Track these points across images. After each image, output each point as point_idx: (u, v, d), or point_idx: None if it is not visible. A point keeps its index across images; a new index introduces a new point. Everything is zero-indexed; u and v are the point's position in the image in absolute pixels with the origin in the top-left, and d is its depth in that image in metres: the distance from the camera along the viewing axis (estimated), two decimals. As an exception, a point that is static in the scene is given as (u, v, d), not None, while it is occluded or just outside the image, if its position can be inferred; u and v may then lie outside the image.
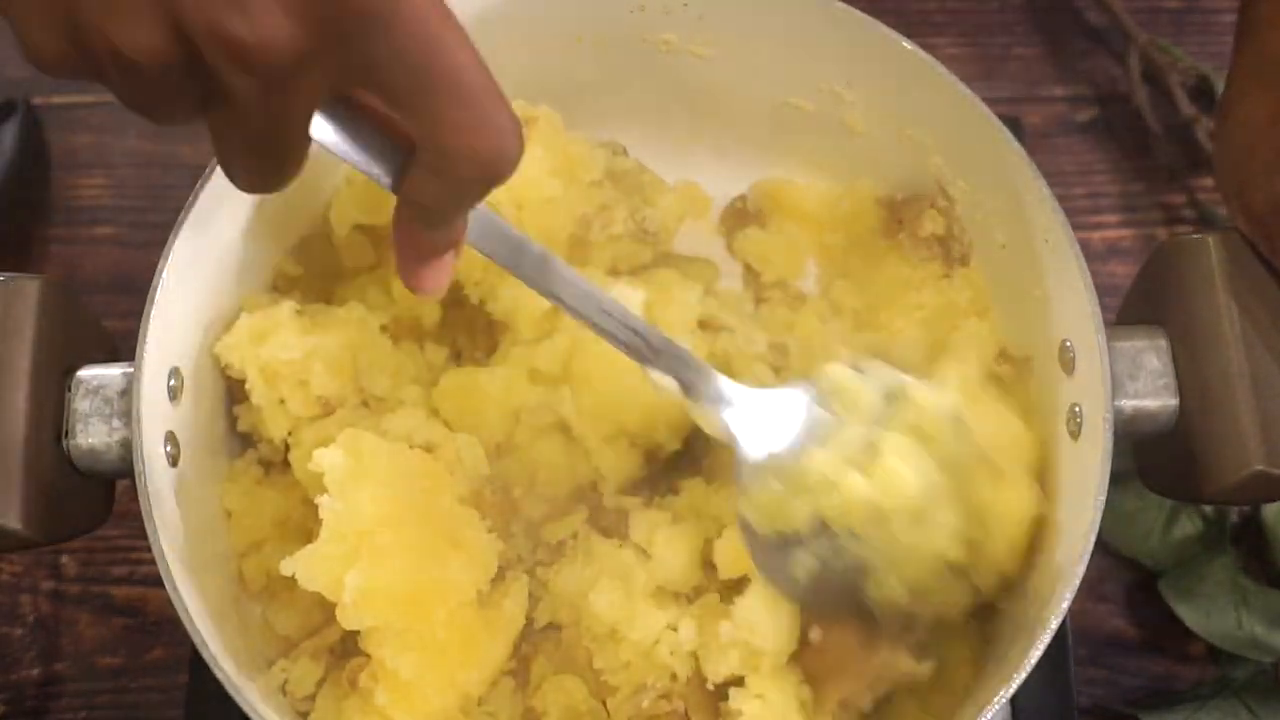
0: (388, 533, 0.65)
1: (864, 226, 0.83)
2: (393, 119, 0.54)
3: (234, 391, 0.75)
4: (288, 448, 0.75)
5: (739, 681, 0.70)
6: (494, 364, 0.76)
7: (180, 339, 0.71)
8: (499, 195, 0.59)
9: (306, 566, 0.65)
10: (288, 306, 0.73)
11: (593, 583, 0.70)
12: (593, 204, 0.79)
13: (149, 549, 0.63)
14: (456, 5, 0.75)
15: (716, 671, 0.69)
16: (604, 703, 0.72)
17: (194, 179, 0.70)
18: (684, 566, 0.72)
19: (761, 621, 0.69)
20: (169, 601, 0.63)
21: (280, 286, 0.80)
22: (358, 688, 0.69)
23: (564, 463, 0.75)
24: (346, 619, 0.65)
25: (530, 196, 0.76)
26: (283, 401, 0.73)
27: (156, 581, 0.64)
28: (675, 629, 0.70)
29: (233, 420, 0.77)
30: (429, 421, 0.74)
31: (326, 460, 0.66)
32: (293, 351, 0.72)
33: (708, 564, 0.73)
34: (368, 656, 0.67)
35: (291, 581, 0.66)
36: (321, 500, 0.66)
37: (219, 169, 0.69)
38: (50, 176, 1.04)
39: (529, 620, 0.74)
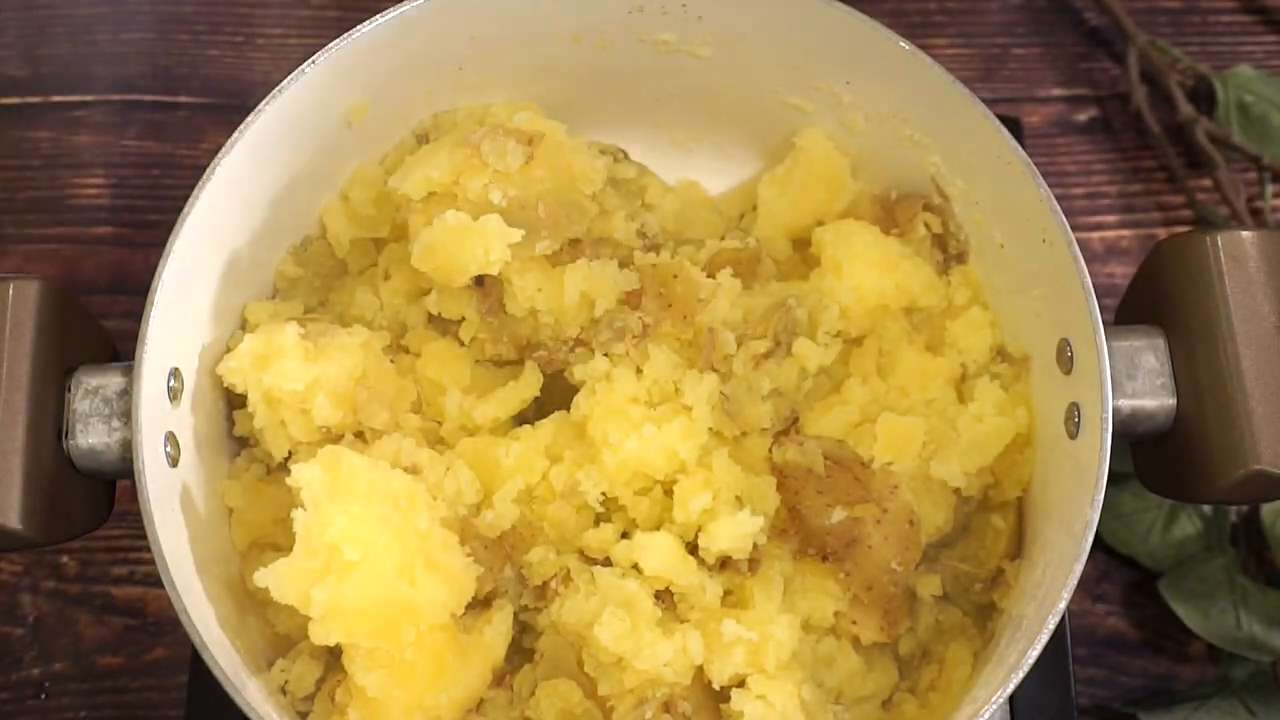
0: (359, 549, 0.66)
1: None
2: None
3: (233, 397, 0.75)
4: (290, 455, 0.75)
5: (741, 683, 0.70)
6: (512, 437, 0.76)
7: (180, 339, 0.71)
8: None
9: (278, 579, 0.65)
10: (292, 330, 0.73)
11: (596, 614, 0.70)
12: (592, 213, 0.79)
13: (149, 549, 0.64)
14: (458, 5, 0.76)
15: (722, 672, 0.70)
16: (600, 706, 0.72)
17: (194, 179, 0.70)
18: (674, 561, 0.72)
19: (764, 612, 0.70)
20: (169, 601, 0.63)
21: (281, 287, 0.80)
22: (335, 702, 0.69)
23: (572, 523, 0.75)
24: (315, 634, 0.66)
25: (528, 219, 0.76)
26: (284, 424, 0.73)
27: (156, 581, 0.64)
28: (685, 651, 0.70)
29: (233, 421, 0.77)
30: (417, 444, 0.74)
31: (304, 475, 0.67)
32: (296, 382, 0.72)
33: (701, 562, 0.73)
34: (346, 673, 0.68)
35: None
36: (295, 514, 0.66)
37: (221, 173, 0.70)
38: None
39: (523, 650, 0.74)
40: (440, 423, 0.78)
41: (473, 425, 0.77)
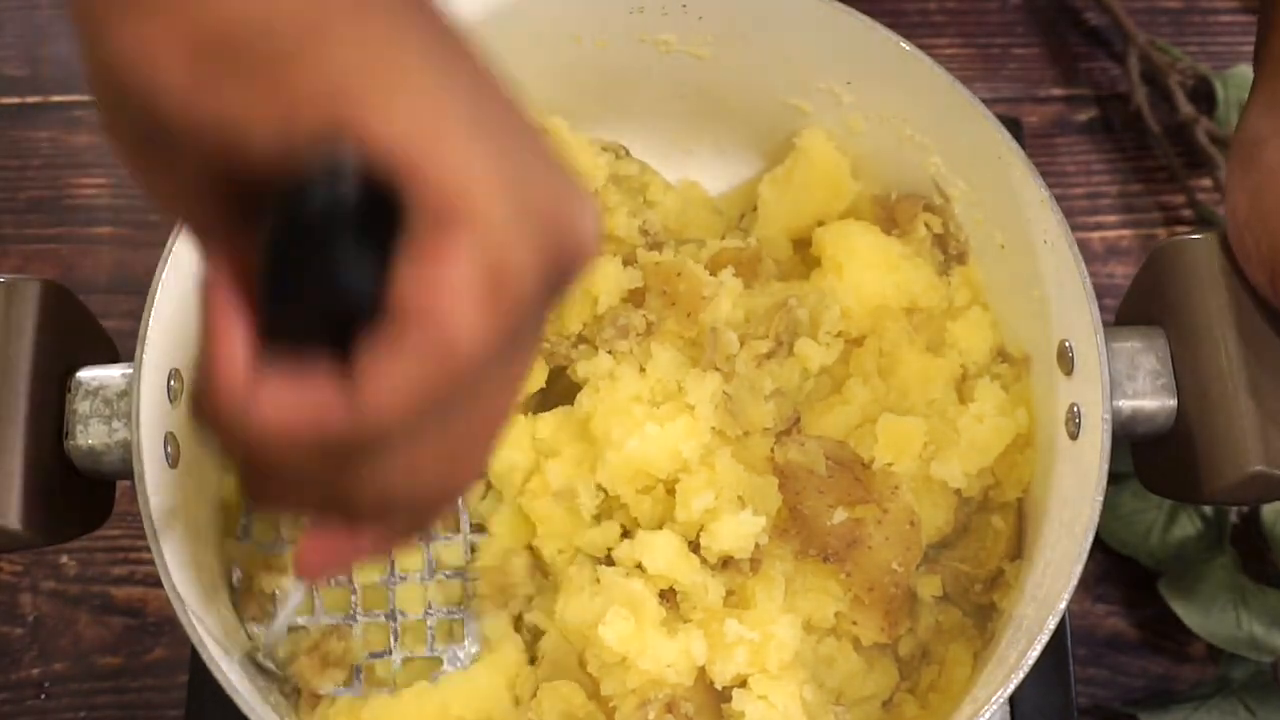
0: None
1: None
2: None
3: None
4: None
5: (742, 683, 0.70)
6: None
7: (180, 340, 0.70)
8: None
9: None
10: None
11: (601, 614, 0.69)
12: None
13: (149, 549, 0.63)
14: (457, 5, 0.76)
15: (724, 673, 0.69)
16: (603, 707, 0.71)
17: (194, 179, 0.70)
18: (677, 561, 0.72)
19: (766, 612, 0.70)
20: (169, 601, 0.63)
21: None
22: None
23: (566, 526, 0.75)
24: None
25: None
26: None
27: (156, 582, 0.64)
28: (688, 651, 0.70)
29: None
30: None
31: None
32: None
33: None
34: None
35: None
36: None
37: None
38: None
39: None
40: None
41: None
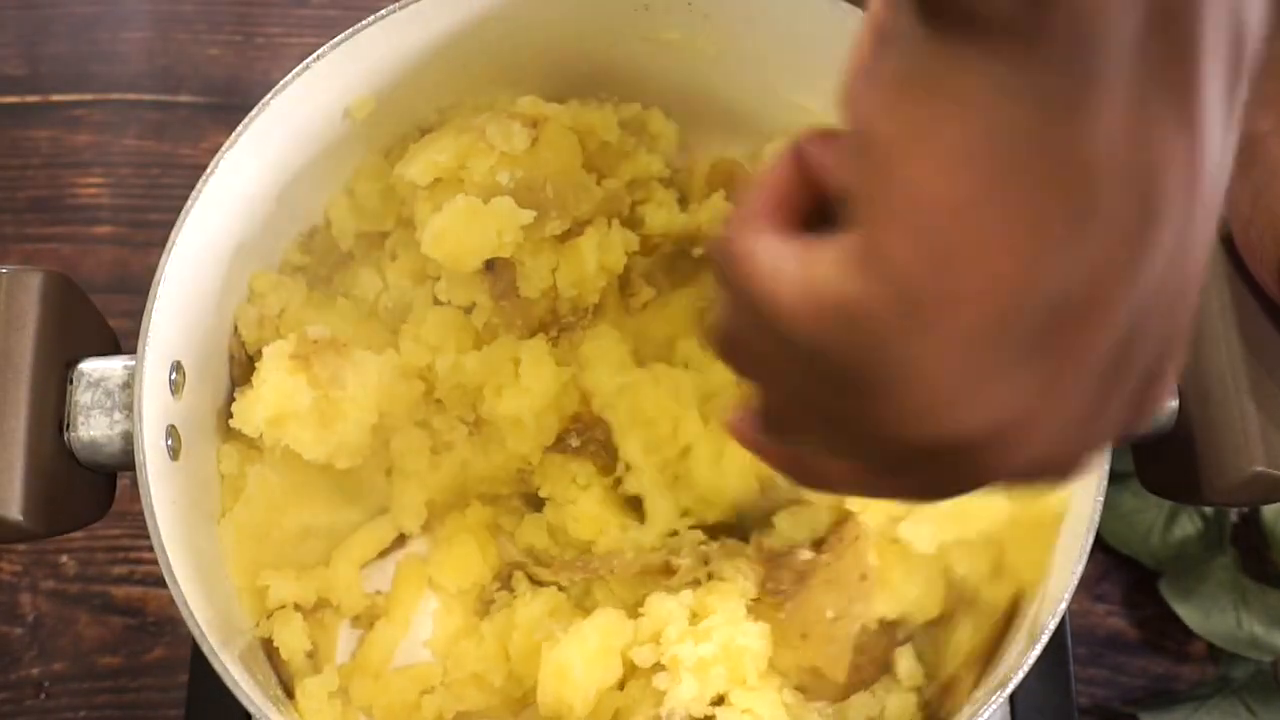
0: None
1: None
2: None
3: (235, 384, 0.75)
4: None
5: (720, 700, 0.69)
6: None
7: (182, 332, 0.70)
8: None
9: None
10: (303, 392, 0.72)
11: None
12: (598, 196, 0.79)
13: (149, 549, 0.63)
14: (460, 3, 0.76)
15: (703, 697, 0.68)
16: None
17: (194, 179, 0.70)
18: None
19: (731, 625, 0.69)
20: (169, 601, 0.63)
21: (286, 274, 0.80)
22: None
23: None
24: None
25: (537, 200, 0.76)
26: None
27: (156, 582, 0.64)
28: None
29: (233, 413, 0.76)
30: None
31: None
32: (315, 451, 0.72)
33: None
34: None
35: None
36: None
37: (225, 168, 0.69)
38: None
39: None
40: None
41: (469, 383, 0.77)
